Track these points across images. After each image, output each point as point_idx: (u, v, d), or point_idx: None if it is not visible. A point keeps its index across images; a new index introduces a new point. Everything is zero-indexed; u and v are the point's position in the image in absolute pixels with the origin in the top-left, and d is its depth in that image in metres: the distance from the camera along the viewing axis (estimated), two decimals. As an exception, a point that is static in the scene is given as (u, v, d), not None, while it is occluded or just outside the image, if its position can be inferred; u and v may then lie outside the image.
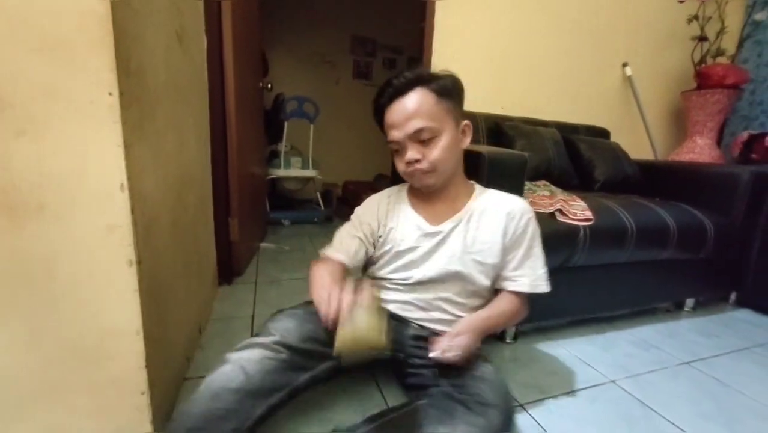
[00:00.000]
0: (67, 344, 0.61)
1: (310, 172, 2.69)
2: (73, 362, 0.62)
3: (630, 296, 1.34)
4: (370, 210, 0.87)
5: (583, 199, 1.22)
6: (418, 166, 0.76)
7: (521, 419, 0.85)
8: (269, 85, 2.10)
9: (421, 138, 0.74)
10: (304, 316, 0.76)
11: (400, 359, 0.83)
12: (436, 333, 0.79)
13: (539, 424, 0.84)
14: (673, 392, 0.99)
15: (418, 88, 0.74)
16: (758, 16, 1.98)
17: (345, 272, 0.78)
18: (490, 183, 0.97)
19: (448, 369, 0.74)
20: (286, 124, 2.59)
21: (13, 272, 0.56)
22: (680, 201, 1.43)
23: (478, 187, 0.88)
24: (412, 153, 0.75)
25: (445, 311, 0.83)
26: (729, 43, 2.07)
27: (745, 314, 1.51)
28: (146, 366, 0.65)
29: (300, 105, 2.65)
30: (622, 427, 0.85)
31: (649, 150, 2.14)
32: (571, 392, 0.96)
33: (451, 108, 0.77)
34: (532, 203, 1.19)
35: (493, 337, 1.19)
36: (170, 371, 0.81)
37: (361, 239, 0.83)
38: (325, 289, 0.67)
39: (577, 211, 1.14)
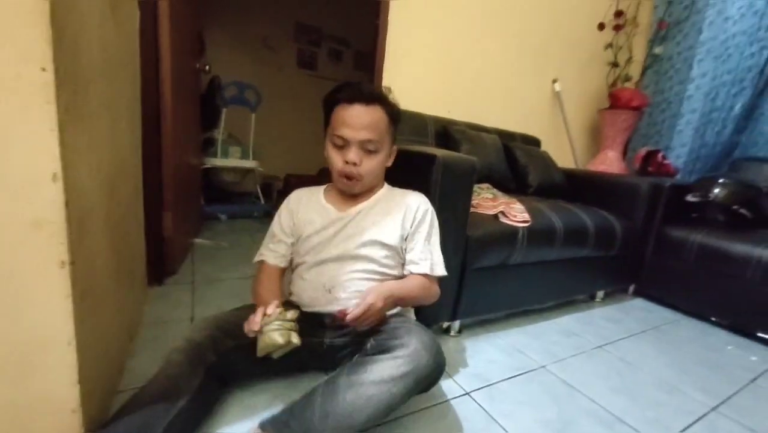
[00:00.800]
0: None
1: (249, 163, 2.55)
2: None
3: (556, 289, 1.51)
4: (286, 208, 0.95)
5: (520, 202, 1.34)
6: (353, 169, 0.84)
7: (468, 404, 0.92)
8: (207, 68, 1.94)
9: (366, 147, 0.84)
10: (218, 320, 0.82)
11: (325, 348, 0.85)
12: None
13: (483, 408, 0.91)
14: (590, 372, 1.14)
15: (379, 106, 0.84)
16: (657, 50, 2.34)
17: (282, 272, 0.93)
18: (441, 184, 1.03)
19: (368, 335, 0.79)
20: (224, 110, 2.42)
21: None
22: (596, 206, 1.64)
23: (386, 185, 0.97)
24: (354, 155, 0.83)
25: (349, 290, 0.84)
26: (635, 71, 2.42)
27: (641, 303, 1.79)
28: (79, 381, 0.58)
29: (241, 91, 2.49)
30: (551, 405, 0.96)
31: (572, 159, 2.41)
32: (509, 378, 1.06)
33: (393, 133, 0.90)
34: (477, 205, 1.28)
35: (439, 331, 1.25)
36: (103, 384, 0.72)
37: (284, 241, 0.92)
38: (258, 308, 0.73)
39: (517, 213, 1.25)
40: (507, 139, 1.86)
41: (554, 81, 2.26)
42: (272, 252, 0.91)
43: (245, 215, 2.60)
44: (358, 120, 0.81)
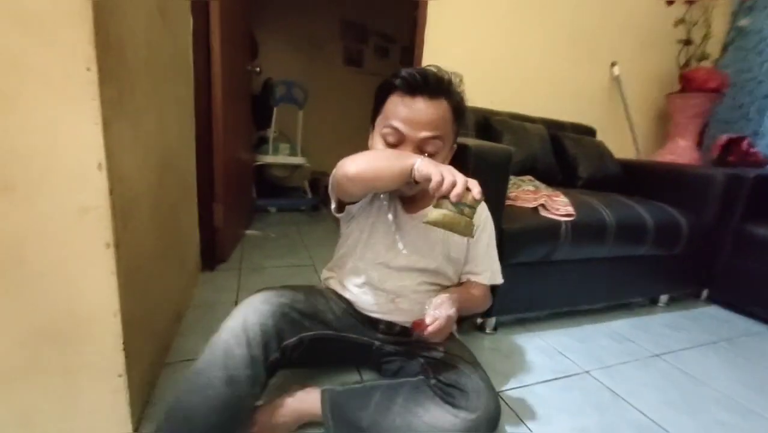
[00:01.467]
0: (38, 327, 0.59)
1: (298, 160, 2.66)
2: (45, 345, 0.60)
3: (607, 290, 1.38)
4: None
5: (565, 195, 1.25)
6: None
7: (497, 406, 0.88)
8: (258, 69, 2.05)
9: (425, 148, 0.70)
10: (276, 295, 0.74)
11: (373, 349, 0.84)
12: (405, 326, 0.82)
13: (513, 410, 0.87)
14: (642, 382, 1.03)
15: (444, 99, 0.71)
16: (742, 23, 2.03)
17: None
18: (475, 175, 0.98)
19: (434, 363, 0.77)
20: (275, 109, 2.54)
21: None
22: (659, 200, 1.47)
23: None
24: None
25: (413, 301, 0.81)
26: (713, 48, 2.12)
27: (715, 310, 1.58)
28: (124, 349, 0.64)
29: (289, 89, 2.60)
30: (592, 413, 0.89)
31: (633, 149, 2.19)
32: (546, 381, 0.99)
33: (456, 130, 0.77)
34: (516, 198, 1.21)
35: (473, 328, 1.21)
36: (149, 355, 0.80)
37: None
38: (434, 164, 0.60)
39: (560, 206, 1.16)
40: (555, 128, 1.74)
41: (613, 65, 2.06)
42: None
43: (293, 208, 2.73)
44: (418, 115, 0.69)
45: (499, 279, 0.87)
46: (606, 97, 2.12)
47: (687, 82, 2.06)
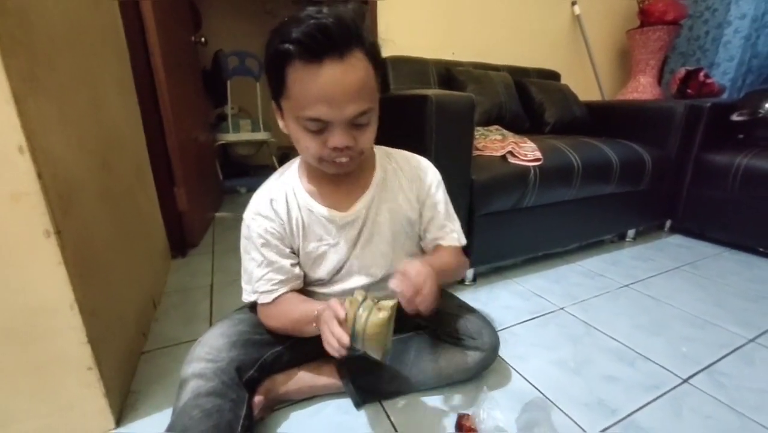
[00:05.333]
0: (-7, 326, 0.56)
1: (261, 135, 2.55)
2: (7, 345, 0.57)
3: (578, 231, 1.43)
4: (267, 219, 0.67)
5: (534, 141, 1.25)
6: (347, 152, 0.58)
7: (479, 349, 0.91)
8: (203, 39, 1.90)
9: (358, 122, 0.56)
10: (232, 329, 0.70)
11: None
12: None
13: (496, 352, 0.90)
14: (614, 311, 1.09)
15: (357, 50, 0.52)
16: (697, -50, 2.01)
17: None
18: (437, 127, 0.96)
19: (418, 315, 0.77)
20: (229, 83, 2.40)
21: None
22: (625, 139, 1.50)
23: (376, 151, 0.73)
24: (344, 139, 0.55)
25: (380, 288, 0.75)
26: (670, -22, 2.10)
27: (677, 239, 1.67)
28: (89, 341, 0.62)
29: (242, 61, 2.44)
30: (567, 345, 0.93)
31: (597, 91, 2.20)
32: (524, 322, 1.03)
33: (378, 78, 0.58)
34: (484, 147, 1.20)
35: (452, 282, 1.23)
36: (121, 345, 0.78)
37: (281, 255, 0.68)
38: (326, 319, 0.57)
39: (527, 152, 1.16)
40: (520, 75, 1.71)
41: (573, 3, 2.02)
42: (283, 283, 0.68)
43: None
44: (339, 89, 0.52)
45: (463, 239, 0.78)
46: (568, 39, 2.10)
47: (646, 16, 2.05)
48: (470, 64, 1.63)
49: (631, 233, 1.62)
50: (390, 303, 0.56)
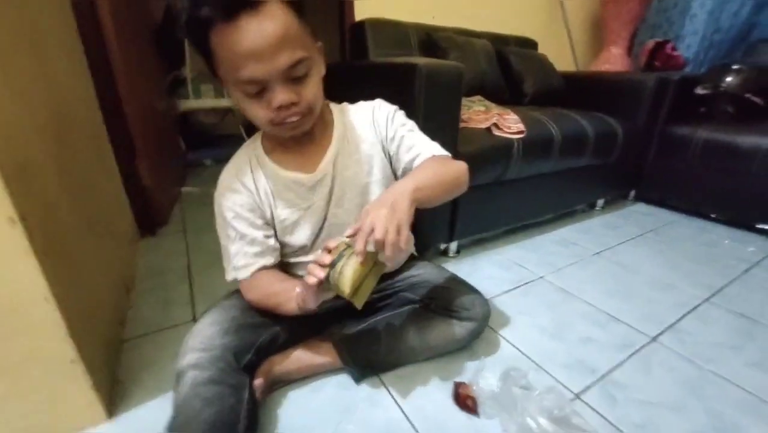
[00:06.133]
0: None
1: (226, 102, 2.36)
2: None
3: (554, 202, 1.48)
4: (234, 192, 0.66)
5: (515, 112, 1.25)
6: (293, 110, 0.56)
7: (468, 320, 0.94)
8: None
9: (295, 75, 0.54)
10: (223, 313, 0.68)
11: (353, 305, 0.80)
12: None
13: (483, 321, 0.94)
14: (586, 278, 1.16)
15: (272, 1, 0.51)
16: None
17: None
18: (426, 97, 0.93)
19: (414, 289, 0.81)
20: (186, 42, 2.17)
21: None
22: (597, 110, 1.54)
23: (333, 108, 0.72)
24: (285, 95, 0.54)
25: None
26: (645, -53, 2.10)
27: (641, 207, 1.78)
28: (69, 334, 0.57)
29: (201, 19, 2.21)
30: (547, 312, 0.99)
31: (572, 61, 2.22)
32: (507, 291, 1.07)
33: (308, 26, 0.56)
34: (468, 119, 1.19)
35: (437, 254, 1.25)
36: (101, 335, 0.73)
37: (254, 227, 0.67)
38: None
39: (512, 124, 1.16)
40: (500, 43, 1.69)
41: (552, -31, 1.98)
42: (258, 255, 0.67)
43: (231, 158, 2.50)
44: (261, 42, 0.50)
45: (445, 151, 0.71)
46: (546, 7, 2.07)
47: (619, -14, 2.06)
48: (452, 30, 1.57)
49: (600, 202, 1.71)
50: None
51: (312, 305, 0.60)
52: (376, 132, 0.71)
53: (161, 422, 0.54)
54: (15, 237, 0.49)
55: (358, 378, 0.75)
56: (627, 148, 1.54)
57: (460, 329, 0.78)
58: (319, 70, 0.59)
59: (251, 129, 0.69)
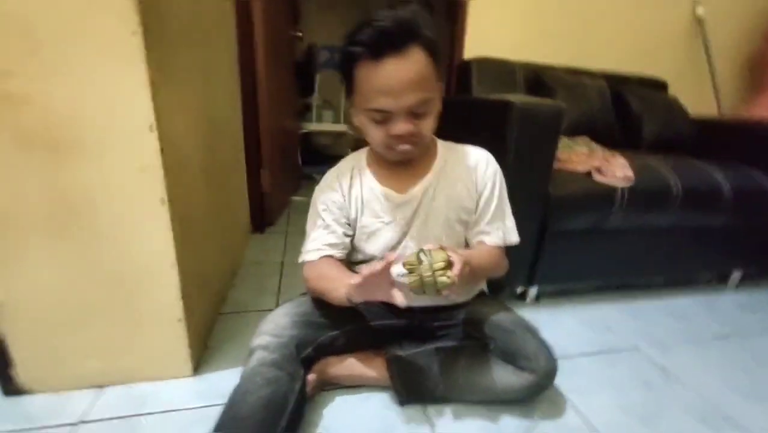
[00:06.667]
0: (114, 272, 0.68)
1: (341, 127, 2.67)
2: (120, 289, 0.69)
3: (669, 264, 1.26)
4: (332, 189, 0.75)
5: (626, 157, 1.13)
6: (408, 140, 0.65)
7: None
8: (300, 34, 2.04)
9: (418, 111, 0.63)
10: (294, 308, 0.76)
11: (414, 326, 0.83)
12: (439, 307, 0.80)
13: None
14: (702, 364, 0.95)
15: (414, 46, 0.60)
16: None
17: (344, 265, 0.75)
18: (520, 136, 0.92)
19: (474, 324, 0.78)
20: (317, 76, 2.54)
21: (59, 203, 0.62)
22: (744, 164, 1.28)
23: (439, 143, 0.78)
24: (406, 126, 0.63)
25: None
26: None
27: (801, 291, 1.39)
28: (182, 297, 0.72)
29: (332, 55, 2.57)
30: (639, 390, 0.84)
31: (714, 105, 1.90)
32: (589, 355, 0.95)
33: (438, 69, 0.64)
34: (567, 160, 1.12)
35: (512, 297, 1.18)
36: (205, 303, 0.89)
37: (344, 231, 0.75)
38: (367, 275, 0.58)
39: (617, 169, 1.06)
40: (618, 82, 1.55)
41: (696, 3, 1.76)
42: (331, 246, 0.74)
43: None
44: (397, 82, 0.59)
45: (514, 237, 0.78)
46: (684, 44, 1.84)
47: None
48: (563, 69, 1.52)
49: (735, 275, 1.39)
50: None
51: (357, 297, 0.62)
52: (476, 181, 0.75)
53: (230, 388, 0.63)
54: (162, 214, 0.66)
55: (403, 401, 0.75)
56: (783, 214, 1.24)
57: (517, 379, 0.72)
58: (437, 109, 0.67)
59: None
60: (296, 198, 2.17)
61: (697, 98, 1.78)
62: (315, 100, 2.59)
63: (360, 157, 0.79)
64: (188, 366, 0.78)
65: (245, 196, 1.44)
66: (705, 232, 1.22)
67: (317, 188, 0.79)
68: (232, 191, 1.22)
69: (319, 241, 0.74)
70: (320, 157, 2.87)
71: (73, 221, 0.63)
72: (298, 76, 2.39)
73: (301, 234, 1.69)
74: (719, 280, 1.41)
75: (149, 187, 0.64)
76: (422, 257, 0.58)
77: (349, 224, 0.76)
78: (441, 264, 0.56)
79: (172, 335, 0.75)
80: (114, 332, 0.72)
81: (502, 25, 1.64)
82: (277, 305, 1.05)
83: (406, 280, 0.58)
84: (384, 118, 0.63)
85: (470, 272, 0.62)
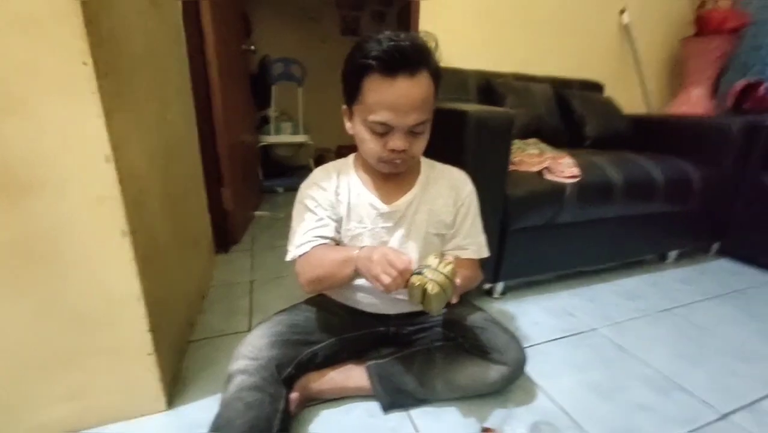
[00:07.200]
0: (77, 312, 0.64)
1: (301, 138, 2.65)
2: (84, 329, 0.66)
3: (615, 249, 1.38)
4: (320, 187, 0.76)
5: (572, 156, 1.23)
6: (401, 155, 0.68)
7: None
8: (252, 47, 2.01)
9: (415, 130, 0.67)
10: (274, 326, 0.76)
11: (390, 335, 0.86)
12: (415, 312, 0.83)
13: (523, 369, 0.90)
14: (651, 336, 1.06)
15: (424, 70, 0.64)
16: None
17: None
18: (475, 142, 0.98)
19: (450, 325, 0.83)
20: (273, 88, 2.51)
21: (16, 248, 0.58)
22: (672, 155, 1.44)
23: (422, 160, 0.82)
24: (400, 142, 0.66)
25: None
26: (732, -15, 1.98)
27: (726, 263, 1.57)
28: (150, 330, 0.69)
29: (286, 67, 2.55)
30: (600, 368, 0.92)
31: (643, 103, 2.11)
32: (553, 340, 1.02)
33: (437, 95, 0.69)
34: (520, 162, 1.20)
35: (479, 293, 1.24)
36: (175, 333, 0.86)
37: (333, 222, 0.75)
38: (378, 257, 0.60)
39: (565, 168, 1.15)
40: (561, 87, 1.68)
41: (622, 12, 1.95)
42: (323, 238, 0.73)
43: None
44: (406, 100, 0.62)
45: (485, 252, 0.83)
46: (614, 49, 2.02)
47: (702, 25, 1.94)
48: (511, 75, 1.62)
49: (672, 254, 1.55)
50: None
51: (364, 269, 0.62)
52: (455, 199, 0.80)
53: (209, 419, 0.62)
54: (124, 246, 0.63)
55: (387, 407, 0.77)
56: (708, 196, 1.40)
57: (491, 371, 0.77)
58: (429, 129, 0.70)
59: (320, 162, 0.81)
60: (258, 213, 2.13)
61: (629, 98, 1.97)
62: (272, 112, 2.56)
63: (347, 163, 0.80)
64: (162, 401, 0.75)
65: (206, 217, 1.40)
66: (645, 218, 1.35)
67: (303, 186, 0.79)
68: (193, 213, 1.18)
69: (311, 233, 0.73)
70: (281, 168, 2.84)
71: (31, 261, 0.59)
72: (253, 89, 2.35)
73: (266, 250, 1.66)
74: (660, 259, 1.56)
75: (109, 220, 0.61)
76: (436, 266, 0.59)
77: (338, 222, 0.77)
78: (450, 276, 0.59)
79: (143, 370, 0.72)
80: (81, 373, 0.68)
81: (452, 33, 1.71)
82: (250, 325, 1.04)
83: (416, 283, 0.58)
84: (384, 131, 0.66)
85: (460, 285, 0.64)
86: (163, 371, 0.74)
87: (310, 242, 0.73)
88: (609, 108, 1.68)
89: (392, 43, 0.61)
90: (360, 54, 0.64)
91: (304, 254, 0.72)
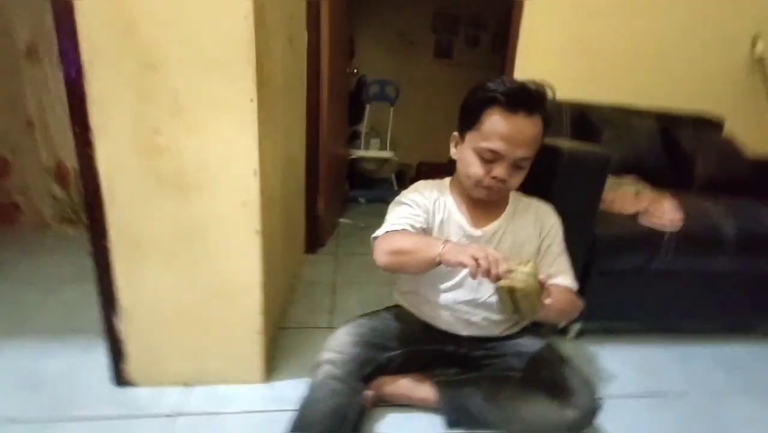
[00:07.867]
0: (214, 290, 0.82)
1: (386, 154, 2.82)
2: (216, 304, 0.83)
3: (720, 309, 1.24)
4: (422, 194, 0.82)
5: (677, 198, 1.14)
6: (500, 185, 0.74)
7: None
8: (355, 70, 2.23)
9: (518, 164, 0.73)
10: (360, 326, 0.85)
11: (459, 356, 0.89)
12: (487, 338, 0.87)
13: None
14: (757, 416, 0.93)
15: (539, 114, 0.72)
16: None
17: None
18: (566, 180, 0.98)
19: (521, 357, 0.84)
20: (368, 106, 2.72)
21: (180, 232, 0.77)
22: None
23: (512, 193, 0.85)
24: (503, 172, 0.72)
25: (488, 314, 0.85)
26: None
27: None
28: (261, 312, 0.84)
29: (382, 88, 2.75)
30: (688, 436, 0.84)
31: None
32: (634, 397, 0.96)
33: (544, 138, 0.77)
34: (613, 201, 1.16)
35: (553, 332, 1.19)
36: (274, 319, 1.01)
37: (424, 217, 0.79)
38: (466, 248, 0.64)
39: (665, 213, 1.08)
40: (669, 121, 1.55)
41: (755, 40, 1.73)
42: (413, 227, 0.77)
43: (380, 200, 2.89)
44: (520, 135, 0.70)
45: (574, 283, 0.83)
46: (741, 80, 1.79)
47: None
48: (610, 107, 1.55)
49: (800, 324, 1.32)
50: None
51: (449, 255, 0.64)
52: (540, 232, 0.84)
53: (296, 397, 0.73)
54: (256, 242, 0.79)
55: (450, 424, 0.81)
56: None
57: (559, 414, 0.75)
58: (528, 167, 0.76)
59: (401, 177, 0.91)
60: (343, 220, 2.31)
61: (758, 136, 1.73)
62: (364, 128, 2.77)
63: (444, 183, 0.87)
64: (261, 374, 0.89)
65: (303, 221, 1.59)
66: (761, 279, 1.19)
67: (404, 192, 0.85)
68: (295, 217, 1.36)
69: (404, 220, 0.77)
70: (365, 181, 3.03)
71: (186, 244, 0.78)
72: (350, 106, 2.58)
73: (351, 255, 1.80)
74: (780, 329, 1.34)
75: (248, 221, 0.77)
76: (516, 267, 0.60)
77: (428, 230, 0.81)
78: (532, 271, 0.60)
79: (251, 344, 0.87)
80: (205, 338, 0.85)
81: (549, 62, 1.70)
82: (331, 323, 1.16)
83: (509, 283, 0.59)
84: (492, 158, 0.72)
85: (555, 303, 0.65)
86: (265, 348, 0.88)
87: (402, 225, 0.76)
88: (726, 147, 1.51)
89: (519, 84, 0.71)
90: (486, 89, 0.72)
91: (392, 231, 0.76)
